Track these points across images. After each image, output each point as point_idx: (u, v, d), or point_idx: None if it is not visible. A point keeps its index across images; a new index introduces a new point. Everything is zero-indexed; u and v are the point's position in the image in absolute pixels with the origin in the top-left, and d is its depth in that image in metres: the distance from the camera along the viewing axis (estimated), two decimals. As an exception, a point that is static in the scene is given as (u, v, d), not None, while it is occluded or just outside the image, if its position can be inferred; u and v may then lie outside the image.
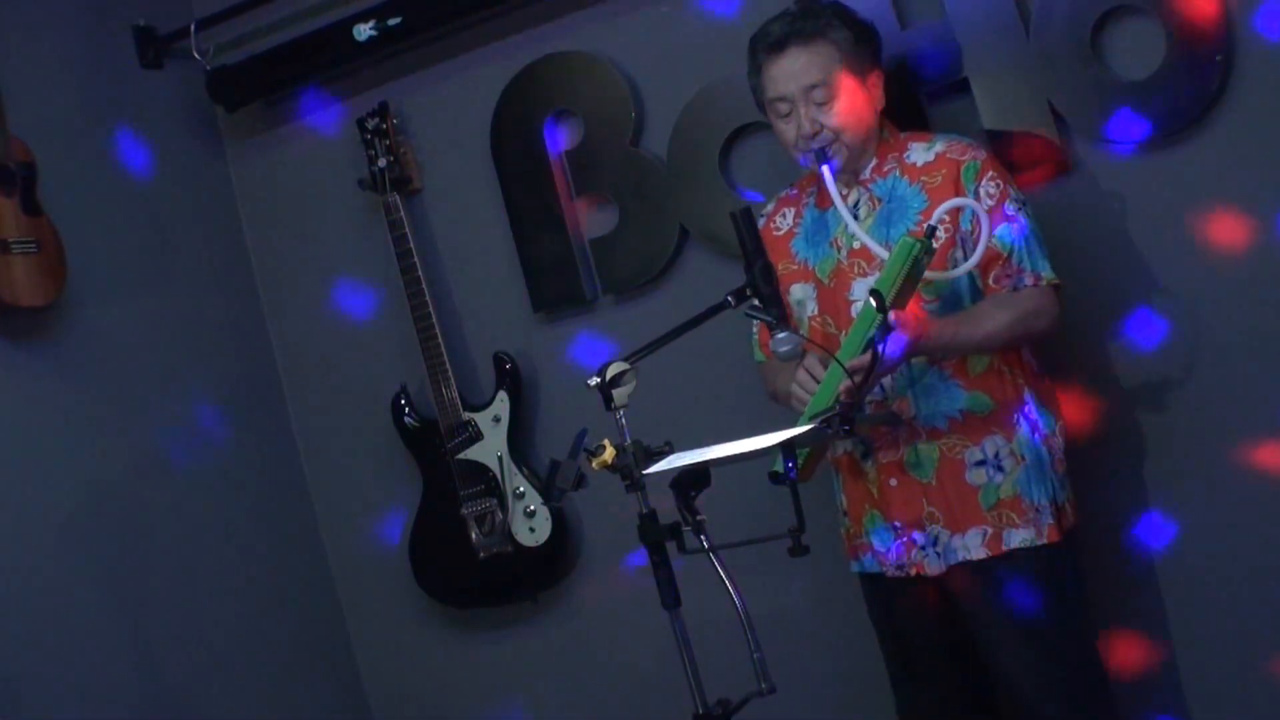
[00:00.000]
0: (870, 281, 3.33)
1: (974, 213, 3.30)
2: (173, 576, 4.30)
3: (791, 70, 3.38)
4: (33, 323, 4.08)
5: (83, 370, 4.22)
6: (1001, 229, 3.32)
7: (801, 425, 3.08)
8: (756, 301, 3.04)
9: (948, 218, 3.31)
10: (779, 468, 3.04)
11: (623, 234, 4.28)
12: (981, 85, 3.76)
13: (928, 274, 3.21)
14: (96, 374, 4.25)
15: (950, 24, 3.77)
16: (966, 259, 3.30)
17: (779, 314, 3.04)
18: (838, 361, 3.10)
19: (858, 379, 3.10)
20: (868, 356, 3.09)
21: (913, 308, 3.21)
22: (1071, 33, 3.65)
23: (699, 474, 2.89)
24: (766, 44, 3.43)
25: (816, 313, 3.49)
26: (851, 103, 3.38)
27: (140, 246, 4.50)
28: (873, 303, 3.08)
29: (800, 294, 3.52)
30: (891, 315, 3.09)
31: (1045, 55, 3.68)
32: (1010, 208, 3.34)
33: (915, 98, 3.80)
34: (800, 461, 3.27)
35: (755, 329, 3.62)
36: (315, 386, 4.81)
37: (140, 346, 4.40)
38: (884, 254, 3.26)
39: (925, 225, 3.21)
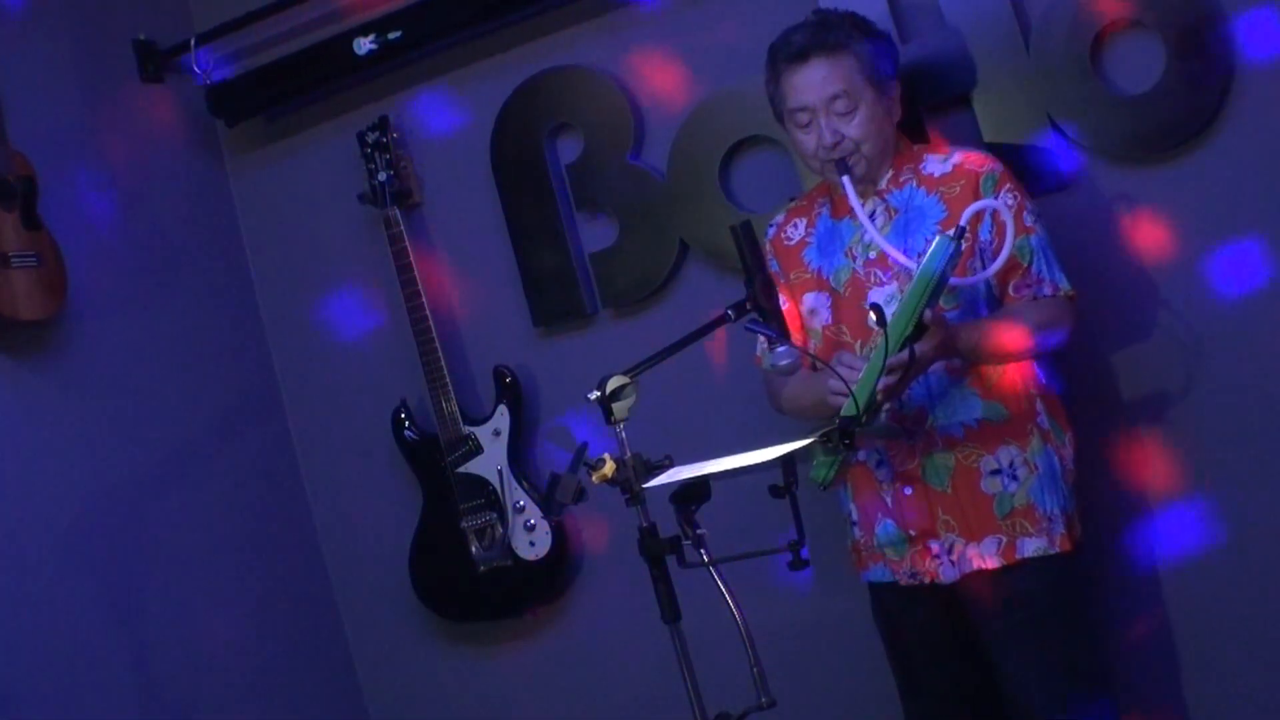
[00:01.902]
0: (886, 291, 3.35)
1: (993, 224, 3.31)
2: (172, 590, 4.30)
3: (814, 80, 3.38)
4: (33, 336, 4.08)
5: (83, 384, 4.22)
6: (1020, 239, 3.33)
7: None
8: (756, 315, 3.04)
9: (967, 227, 3.31)
10: (818, 476, 3.20)
11: (623, 248, 4.28)
12: (981, 98, 3.77)
13: (950, 280, 3.22)
14: (96, 387, 4.25)
15: (951, 37, 3.78)
16: (985, 268, 3.31)
17: (779, 328, 3.04)
18: (852, 393, 3.09)
19: (895, 377, 3.12)
20: (904, 354, 3.10)
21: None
22: (1071, 47, 3.66)
23: (699, 487, 2.89)
24: (788, 53, 3.42)
25: (830, 322, 3.49)
26: (873, 113, 3.39)
27: (141, 261, 4.50)
28: (873, 316, 3.08)
29: (813, 303, 3.52)
30: (926, 314, 3.11)
31: (1045, 69, 3.69)
32: (1028, 219, 3.36)
33: (916, 111, 3.81)
34: (833, 470, 3.29)
35: (764, 340, 3.62)
36: (315, 400, 4.81)
37: (140, 360, 4.40)
38: (906, 262, 3.26)
39: (956, 226, 3.20)
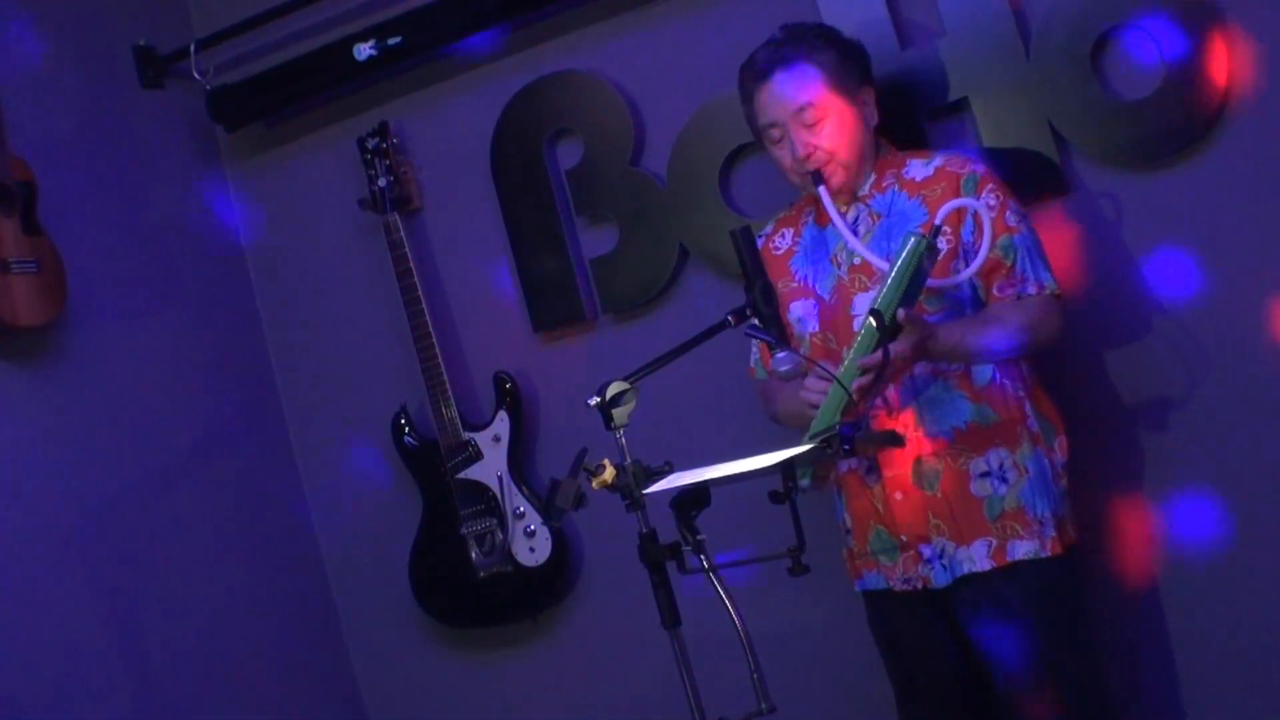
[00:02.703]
0: (870, 296, 3.34)
1: (975, 224, 3.31)
2: (171, 595, 4.30)
3: (778, 96, 3.41)
4: (32, 342, 4.08)
5: (82, 390, 4.21)
6: (1003, 238, 3.33)
7: (814, 429, 3.10)
8: (756, 321, 3.03)
9: (949, 228, 3.31)
10: (800, 483, 3.10)
11: (623, 253, 4.28)
12: (981, 104, 3.77)
13: (931, 283, 3.21)
14: (96, 394, 4.25)
15: (950, 43, 3.78)
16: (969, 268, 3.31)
17: (779, 333, 3.04)
18: (840, 382, 3.09)
19: (869, 378, 3.11)
20: (879, 355, 3.09)
21: (919, 309, 3.22)
22: (1071, 53, 3.66)
23: (699, 493, 2.88)
24: (753, 72, 3.46)
25: (817, 329, 3.49)
26: (841, 122, 3.40)
27: (140, 266, 4.50)
28: (872, 322, 3.08)
29: (800, 311, 3.52)
30: (900, 314, 3.10)
31: (1045, 75, 3.69)
32: (1011, 218, 3.36)
33: (915, 117, 3.81)
34: (809, 473, 3.27)
35: (756, 347, 3.62)
36: (315, 406, 4.81)
37: (140, 366, 4.40)
38: (885, 267, 3.26)
39: (931, 226, 3.20)
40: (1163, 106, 3.60)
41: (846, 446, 2.92)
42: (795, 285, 3.55)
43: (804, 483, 3.27)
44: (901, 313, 3.11)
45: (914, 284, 3.13)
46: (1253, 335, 3.59)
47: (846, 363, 3.17)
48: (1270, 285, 3.57)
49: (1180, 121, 3.60)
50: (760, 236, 3.63)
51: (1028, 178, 3.64)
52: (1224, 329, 3.62)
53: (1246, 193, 3.58)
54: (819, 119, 3.38)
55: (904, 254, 3.14)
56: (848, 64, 3.43)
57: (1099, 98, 3.66)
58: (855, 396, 3.12)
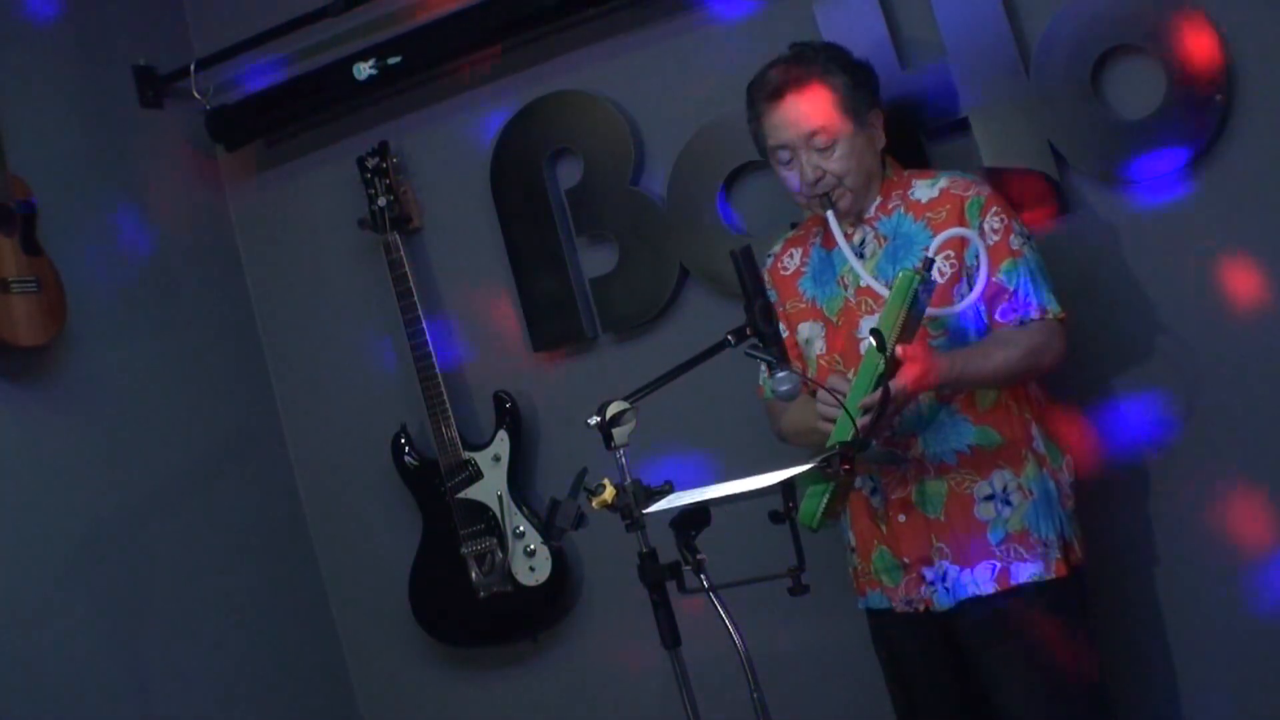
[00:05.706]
0: (877, 319, 3.32)
1: (981, 248, 3.30)
2: (172, 615, 4.29)
3: (790, 118, 3.37)
4: (32, 362, 4.08)
5: (82, 409, 4.21)
6: (1007, 262, 3.32)
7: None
8: (757, 341, 3.03)
9: (953, 253, 3.29)
10: (805, 519, 3.09)
11: (623, 273, 4.28)
12: (982, 124, 3.77)
13: (933, 310, 3.20)
14: (96, 413, 4.25)
15: (951, 63, 3.78)
16: (971, 292, 3.29)
17: (779, 353, 3.03)
18: (848, 412, 3.07)
19: (870, 417, 3.09)
20: (878, 393, 3.08)
21: (918, 342, 3.20)
22: (1071, 72, 3.66)
23: (699, 513, 2.88)
24: (764, 92, 3.41)
25: (825, 351, 3.48)
26: (852, 146, 3.37)
27: (140, 286, 4.50)
28: (872, 341, 3.08)
29: (808, 332, 3.51)
30: (899, 350, 3.08)
31: (1045, 94, 3.69)
32: (1015, 242, 3.34)
33: (916, 137, 3.81)
34: (827, 502, 3.24)
35: (764, 366, 3.61)
36: (315, 425, 4.81)
37: (140, 385, 4.40)
38: (887, 293, 3.26)
39: (924, 258, 3.17)
40: (1162, 125, 3.60)
41: (846, 466, 2.91)
42: (804, 306, 3.53)
43: (815, 504, 3.26)
44: (900, 349, 3.09)
45: (911, 318, 3.11)
46: (1257, 352, 3.59)
47: (849, 400, 3.14)
48: (1273, 302, 3.56)
49: (1180, 140, 3.60)
50: (769, 256, 3.63)
51: (1028, 197, 3.64)
52: (1227, 346, 3.62)
53: (1246, 210, 3.58)
54: (830, 143, 3.35)
55: (896, 291, 3.12)
56: (858, 87, 3.40)
57: (1099, 117, 3.66)
58: (861, 434, 3.08)
